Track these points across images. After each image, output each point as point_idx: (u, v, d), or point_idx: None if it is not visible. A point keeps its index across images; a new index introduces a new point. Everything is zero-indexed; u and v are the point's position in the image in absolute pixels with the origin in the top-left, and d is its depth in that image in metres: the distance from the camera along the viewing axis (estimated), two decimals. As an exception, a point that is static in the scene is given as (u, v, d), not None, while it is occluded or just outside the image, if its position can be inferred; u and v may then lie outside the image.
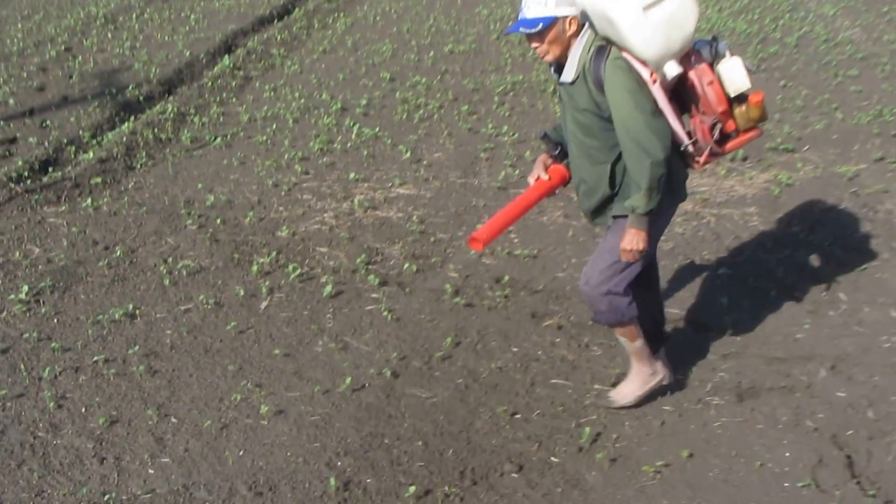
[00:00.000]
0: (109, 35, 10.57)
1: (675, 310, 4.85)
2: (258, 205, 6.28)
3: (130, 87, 8.68)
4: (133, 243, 5.75)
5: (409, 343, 4.61)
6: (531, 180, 3.77)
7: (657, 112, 3.38)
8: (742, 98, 3.55)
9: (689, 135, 3.54)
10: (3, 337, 4.74)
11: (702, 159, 3.56)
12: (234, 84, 8.93)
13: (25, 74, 9.20)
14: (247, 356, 4.54)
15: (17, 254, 5.64)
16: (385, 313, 4.86)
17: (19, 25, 11.03)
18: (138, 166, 7.01)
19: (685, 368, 4.37)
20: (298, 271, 5.29)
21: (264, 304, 4.99)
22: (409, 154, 6.99)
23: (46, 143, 7.39)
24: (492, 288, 5.12)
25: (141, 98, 8.50)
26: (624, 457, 3.82)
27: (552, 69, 3.66)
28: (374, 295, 5.06)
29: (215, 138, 7.53)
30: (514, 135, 7.36)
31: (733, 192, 6.17)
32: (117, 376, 4.39)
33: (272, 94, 8.60)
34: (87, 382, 4.35)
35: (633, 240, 3.51)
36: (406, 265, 5.34)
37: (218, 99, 8.54)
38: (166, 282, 5.25)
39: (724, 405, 4.10)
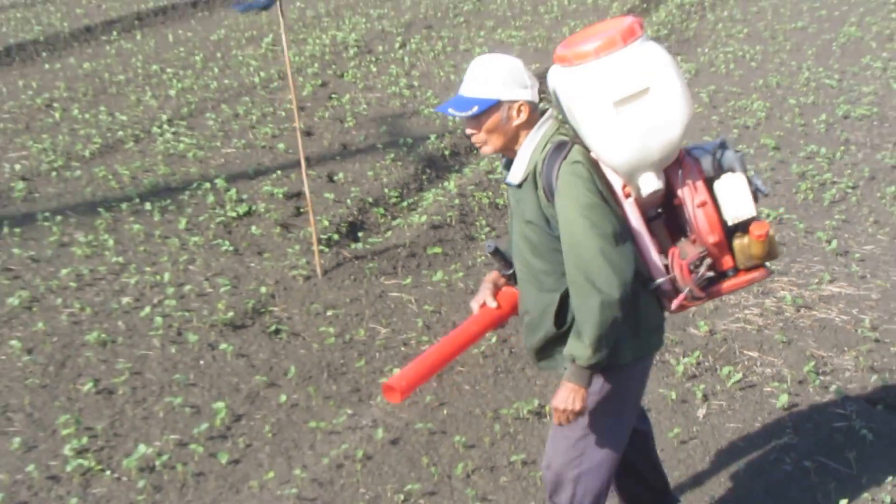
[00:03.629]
0: (372, 67, 12.48)
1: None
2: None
3: (431, 139, 10.65)
4: (506, 331, 7.11)
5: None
6: (474, 306, 4.21)
7: (622, 236, 3.71)
8: (745, 227, 3.93)
9: (667, 269, 3.91)
10: (386, 426, 6.08)
11: (675, 303, 3.93)
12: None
13: (283, 114, 11.21)
14: (694, 470, 5.74)
15: (362, 332, 7.16)
16: (868, 436, 5.79)
17: (249, 51, 13.16)
18: (481, 237, 8.63)
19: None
20: (737, 377, 6.49)
21: (701, 411, 6.21)
22: (832, 244, 8.35)
23: (348, 202, 9.19)
24: None
25: (446, 153, 10.29)
26: None
27: (502, 163, 4.09)
28: (839, 411, 6.08)
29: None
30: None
31: None
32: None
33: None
34: (510, 485, 5.49)
35: (567, 397, 3.86)
36: (870, 377, 6.40)
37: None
38: (572, 380, 6.70)
39: None
